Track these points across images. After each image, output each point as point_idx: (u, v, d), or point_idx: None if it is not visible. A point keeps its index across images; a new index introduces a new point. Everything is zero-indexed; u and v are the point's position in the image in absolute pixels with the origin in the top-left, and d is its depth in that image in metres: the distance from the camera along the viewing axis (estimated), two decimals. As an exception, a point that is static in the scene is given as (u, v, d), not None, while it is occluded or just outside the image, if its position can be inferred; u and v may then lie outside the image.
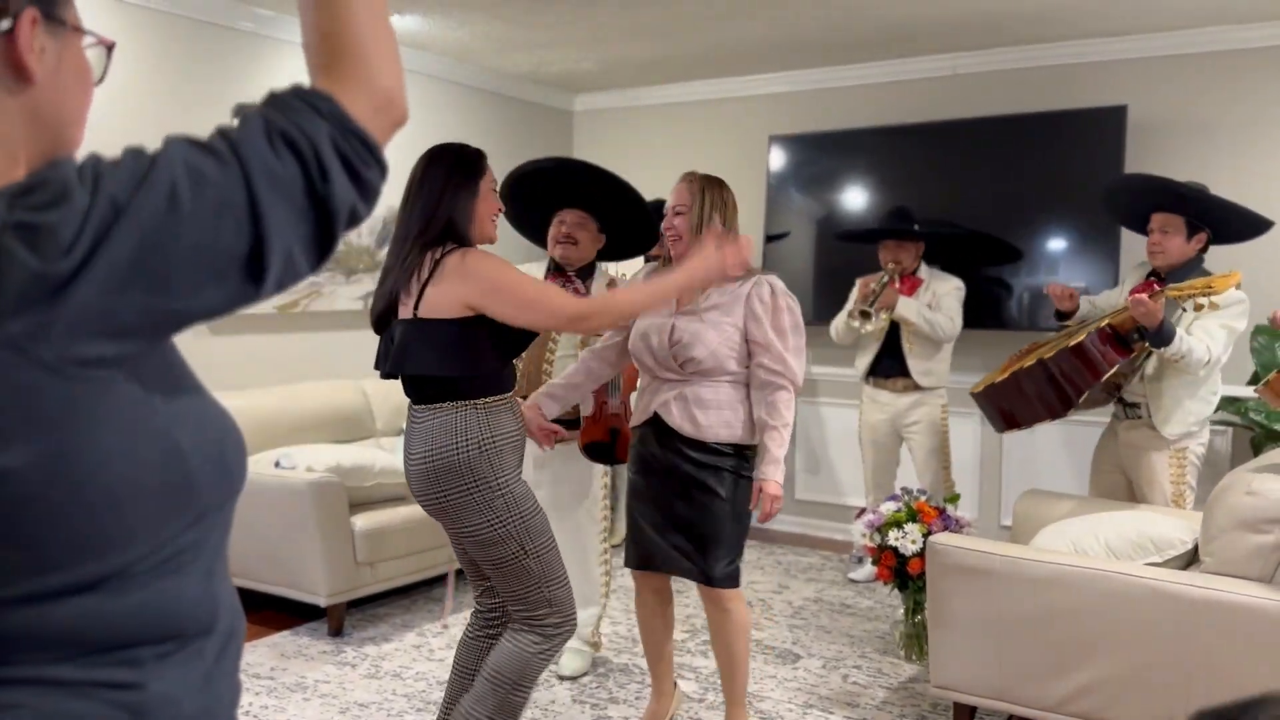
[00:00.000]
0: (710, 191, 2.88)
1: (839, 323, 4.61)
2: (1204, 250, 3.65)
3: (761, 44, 5.11)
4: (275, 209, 0.83)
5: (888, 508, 3.74)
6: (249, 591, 4.14)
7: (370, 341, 5.25)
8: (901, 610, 3.95)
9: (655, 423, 2.91)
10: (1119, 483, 3.84)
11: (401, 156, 5.71)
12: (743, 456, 2.90)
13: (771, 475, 2.80)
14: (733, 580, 2.91)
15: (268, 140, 0.84)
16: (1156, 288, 3.51)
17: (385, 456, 4.31)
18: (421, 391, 2.50)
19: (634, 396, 3.15)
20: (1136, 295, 3.30)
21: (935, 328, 4.38)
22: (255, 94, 4.61)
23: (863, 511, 3.83)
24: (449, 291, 2.37)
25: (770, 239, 5.61)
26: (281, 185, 0.83)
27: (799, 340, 2.87)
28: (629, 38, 5.01)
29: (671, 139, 6.16)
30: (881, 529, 3.68)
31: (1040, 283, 4.80)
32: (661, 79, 5.97)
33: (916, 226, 4.53)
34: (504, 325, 2.42)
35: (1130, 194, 3.84)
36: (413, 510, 4.28)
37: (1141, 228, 3.77)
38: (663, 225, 2.95)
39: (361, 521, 4.06)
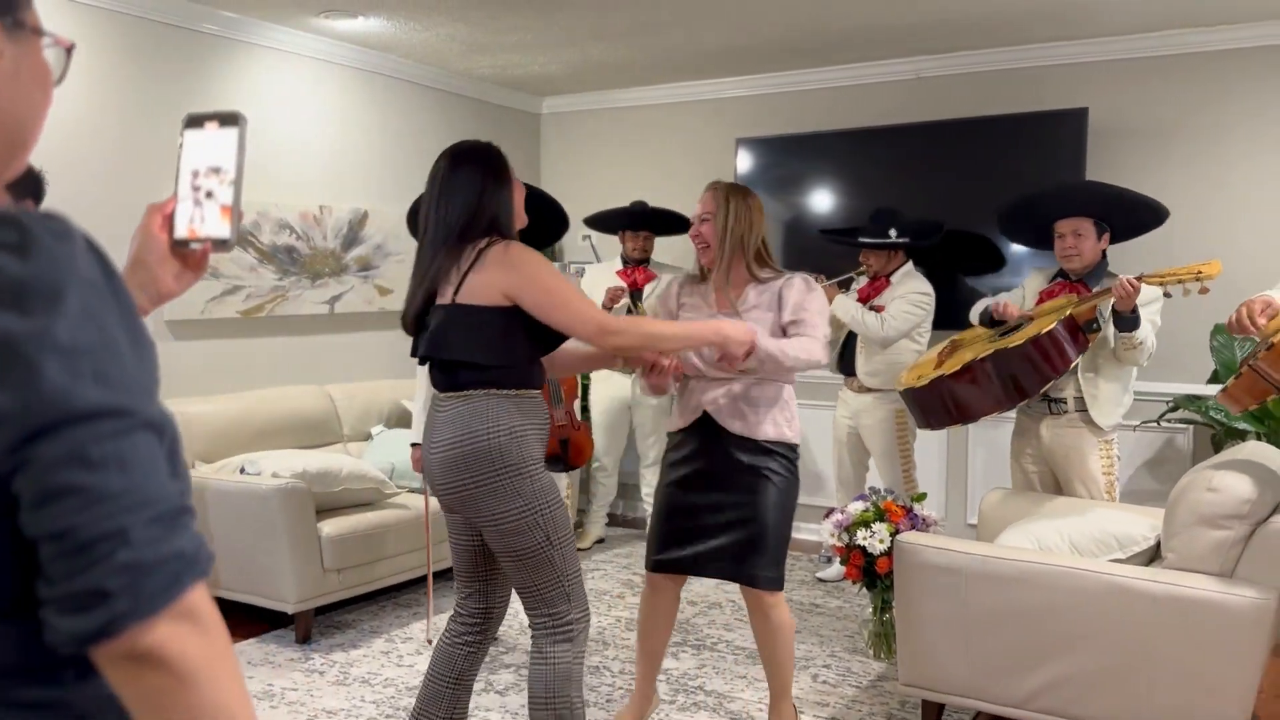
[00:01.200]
0: (734, 199, 2.95)
1: None
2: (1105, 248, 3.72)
3: (727, 48, 5.13)
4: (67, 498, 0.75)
5: (855, 507, 3.76)
6: (214, 599, 4.08)
7: (335, 347, 5.22)
8: (870, 609, 3.97)
9: (703, 422, 2.92)
10: (1043, 479, 3.84)
11: (377, 156, 5.65)
12: (790, 456, 2.92)
13: (752, 327, 2.70)
14: (778, 583, 2.91)
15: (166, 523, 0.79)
16: (1132, 284, 3.44)
17: (352, 461, 4.27)
18: (453, 378, 2.49)
19: (674, 396, 3.08)
20: (1126, 280, 3.31)
21: (864, 328, 4.38)
22: (218, 97, 4.57)
23: (831, 511, 3.85)
24: (490, 279, 2.41)
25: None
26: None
27: (822, 321, 2.88)
28: (595, 41, 5.01)
29: (640, 141, 6.16)
30: (849, 528, 3.71)
31: (1004, 283, 4.84)
32: (629, 82, 5.98)
33: (892, 231, 4.47)
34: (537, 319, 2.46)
35: (1036, 205, 3.79)
36: (380, 516, 4.25)
37: (1039, 242, 3.84)
38: (689, 233, 3.05)
39: (329, 527, 4.02)
